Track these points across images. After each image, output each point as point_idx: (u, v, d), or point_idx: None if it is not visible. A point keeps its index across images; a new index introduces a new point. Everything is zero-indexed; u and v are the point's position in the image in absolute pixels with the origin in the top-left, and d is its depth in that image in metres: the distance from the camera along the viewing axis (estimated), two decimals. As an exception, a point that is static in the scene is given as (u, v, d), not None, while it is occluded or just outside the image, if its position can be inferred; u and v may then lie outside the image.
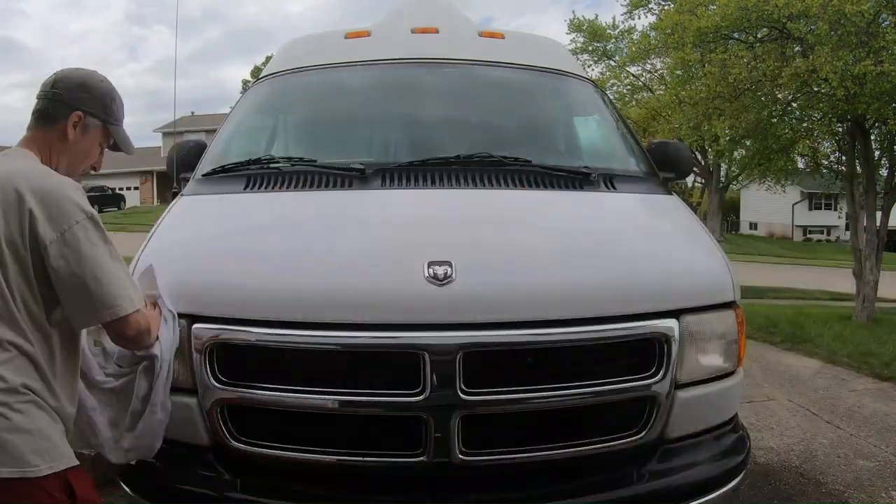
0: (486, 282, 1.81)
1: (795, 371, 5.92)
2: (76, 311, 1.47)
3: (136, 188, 43.26)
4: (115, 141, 1.71)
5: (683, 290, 1.95)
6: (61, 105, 1.60)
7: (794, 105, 9.51)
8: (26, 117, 1.63)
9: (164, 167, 3.07)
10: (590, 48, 19.72)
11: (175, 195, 2.55)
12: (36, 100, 1.63)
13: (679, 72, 11.06)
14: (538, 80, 3.05)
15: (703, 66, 9.56)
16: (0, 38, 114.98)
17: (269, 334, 1.78)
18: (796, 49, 8.42)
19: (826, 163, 10.77)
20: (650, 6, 17.75)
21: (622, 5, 18.14)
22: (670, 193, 2.59)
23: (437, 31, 3.12)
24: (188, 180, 2.61)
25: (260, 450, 1.83)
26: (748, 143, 10.69)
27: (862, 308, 9.22)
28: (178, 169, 2.72)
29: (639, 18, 18.20)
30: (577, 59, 9.61)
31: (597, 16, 19.88)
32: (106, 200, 35.86)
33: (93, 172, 1.73)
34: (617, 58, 19.52)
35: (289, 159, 2.54)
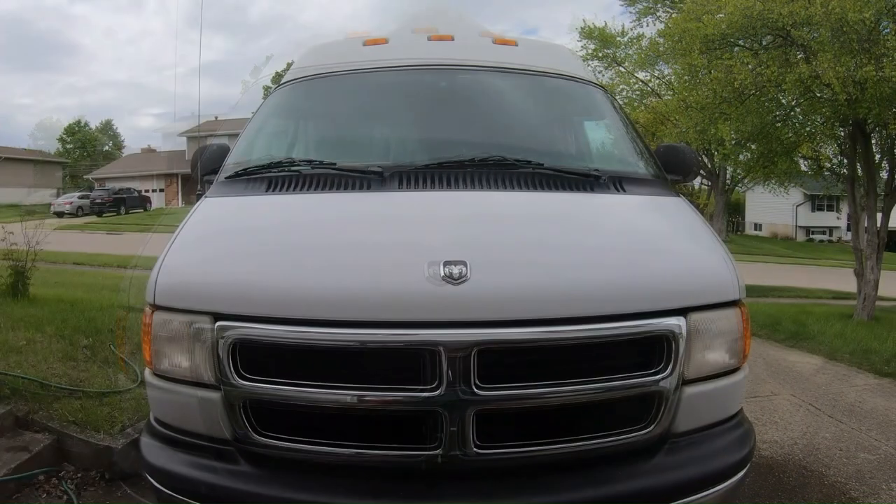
0: (499, 281, 1.84)
1: (798, 368, 5.97)
2: None
3: (161, 190, 43.82)
4: None
5: (690, 289, 1.98)
6: None
7: (798, 109, 9.57)
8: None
9: (188, 170, 3.13)
10: (600, 55, 19.77)
11: (199, 197, 2.59)
12: None
13: (686, 77, 11.09)
14: (550, 85, 3.10)
15: (710, 71, 9.61)
16: (57, 43, 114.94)
17: (290, 332, 1.81)
18: (799, 55, 8.48)
19: (828, 165, 10.82)
20: (658, 14, 17.91)
21: (631, 12, 18.32)
22: (677, 195, 2.61)
23: (452, 39, 3.18)
24: (211, 183, 2.66)
25: (281, 443, 1.87)
26: (753, 146, 10.75)
27: (863, 306, 9.27)
28: (201, 172, 2.78)
29: (647, 26, 18.31)
30: (588, 65, 9.58)
31: (606, 23, 19.87)
32: (133, 202, 37.13)
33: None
34: (626, 64, 19.57)
35: (309, 162, 2.57)
